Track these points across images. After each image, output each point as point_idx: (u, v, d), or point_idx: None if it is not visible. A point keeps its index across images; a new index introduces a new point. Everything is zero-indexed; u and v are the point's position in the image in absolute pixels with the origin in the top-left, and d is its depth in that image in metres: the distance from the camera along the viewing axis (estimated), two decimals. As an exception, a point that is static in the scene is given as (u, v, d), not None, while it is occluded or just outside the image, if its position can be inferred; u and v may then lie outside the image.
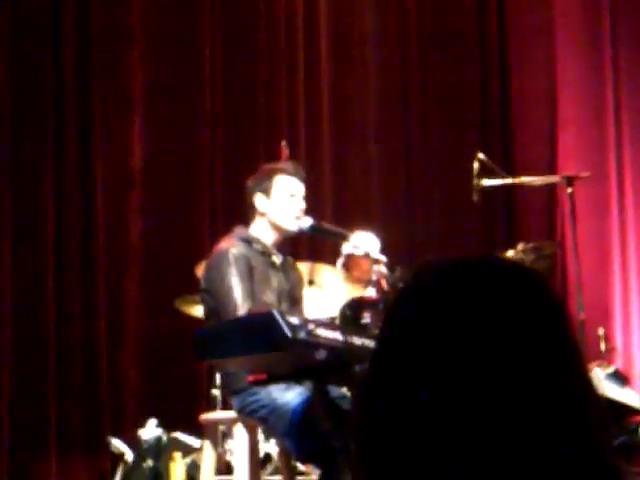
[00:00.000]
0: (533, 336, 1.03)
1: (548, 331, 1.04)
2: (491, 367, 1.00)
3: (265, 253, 4.16)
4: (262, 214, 4.19)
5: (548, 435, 1.00)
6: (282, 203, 4.16)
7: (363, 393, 1.06)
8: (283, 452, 4.48)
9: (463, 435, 0.99)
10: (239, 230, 4.22)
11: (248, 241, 4.15)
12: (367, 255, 3.97)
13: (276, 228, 4.19)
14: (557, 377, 1.03)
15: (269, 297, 4.07)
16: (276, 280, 4.16)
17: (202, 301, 4.21)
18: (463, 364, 1.00)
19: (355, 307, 3.50)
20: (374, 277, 3.79)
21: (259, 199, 4.18)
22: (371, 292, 3.74)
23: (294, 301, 4.25)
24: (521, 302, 1.04)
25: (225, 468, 5.17)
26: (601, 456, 1.01)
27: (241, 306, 3.90)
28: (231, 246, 4.08)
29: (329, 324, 3.28)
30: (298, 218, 4.16)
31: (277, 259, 4.20)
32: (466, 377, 1.00)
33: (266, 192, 4.17)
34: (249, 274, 4.03)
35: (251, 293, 3.98)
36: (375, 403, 1.03)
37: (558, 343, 1.05)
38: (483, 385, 1.00)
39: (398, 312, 1.07)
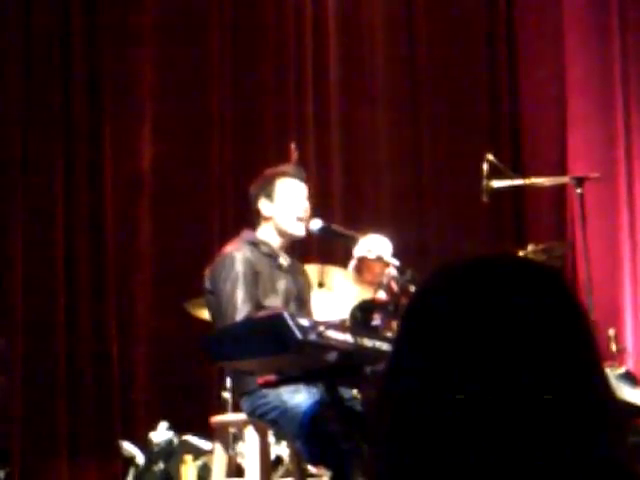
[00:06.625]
0: (556, 332, 1.05)
1: (571, 329, 1.07)
2: (514, 361, 1.03)
3: (272, 255, 4.17)
4: (267, 219, 4.22)
5: (565, 434, 1.01)
6: (286, 206, 4.19)
7: (392, 381, 1.08)
8: (294, 454, 4.48)
9: (486, 425, 1.01)
10: (246, 233, 4.24)
11: (255, 244, 4.16)
12: (379, 258, 3.97)
13: (282, 232, 4.21)
14: (577, 375, 1.04)
15: (274, 301, 4.08)
16: (283, 282, 4.17)
17: (206, 303, 4.23)
18: (490, 356, 1.03)
19: (365, 309, 3.50)
20: (385, 280, 3.79)
21: (263, 204, 4.22)
22: (381, 294, 3.74)
23: (302, 303, 4.25)
24: (545, 297, 1.07)
25: (236, 471, 5.16)
26: (617, 457, 1.02)
27: (239, 310, 3.91)
28: (236, 250, 4.09)
29: (339, 326, 3.27)
30: (302, 219, 4.17)
31: (284, 261, 4.21)
32: (492, 369, 1.03)
33: (269, 196, 4.21)
34: (253, 279, 4.04)
35: (252, 298, 3.98)
36: (405, 389, 1.05)
37: (579, 341, 1.07)
38: (506, 378, 1.02)
39: (429, 305, 1.10)
